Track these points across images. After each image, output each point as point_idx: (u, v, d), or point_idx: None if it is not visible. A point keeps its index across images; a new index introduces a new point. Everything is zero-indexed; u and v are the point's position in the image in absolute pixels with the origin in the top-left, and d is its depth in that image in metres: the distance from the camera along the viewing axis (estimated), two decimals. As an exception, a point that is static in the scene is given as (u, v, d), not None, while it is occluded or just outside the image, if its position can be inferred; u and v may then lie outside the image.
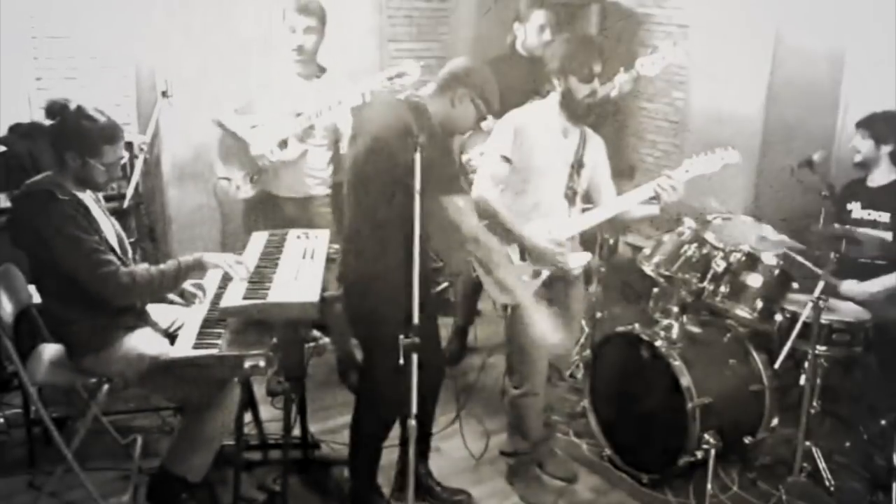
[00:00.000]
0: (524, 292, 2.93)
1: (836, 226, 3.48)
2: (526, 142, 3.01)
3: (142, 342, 2.80)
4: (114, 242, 2.83)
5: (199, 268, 2.77)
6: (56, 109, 2.68)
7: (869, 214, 3.69)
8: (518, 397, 3.18)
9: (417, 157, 2.45)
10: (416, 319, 2.49)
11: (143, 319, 2.92)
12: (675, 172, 2.99)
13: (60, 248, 2.62)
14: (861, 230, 3.62)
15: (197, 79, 4.28)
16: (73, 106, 2.68)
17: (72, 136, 2.66)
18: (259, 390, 3.18)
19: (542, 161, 3.02)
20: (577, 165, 3.07)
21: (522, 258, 3.06)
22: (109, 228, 2.87)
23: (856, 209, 3.74)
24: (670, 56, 3.71)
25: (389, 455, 3.05)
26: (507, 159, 3.00)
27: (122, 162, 2.84)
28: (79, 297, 2.70)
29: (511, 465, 3.32)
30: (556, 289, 3.12)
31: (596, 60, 2.96)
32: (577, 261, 3.08)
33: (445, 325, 4.32)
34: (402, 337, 2.39)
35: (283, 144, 3.63)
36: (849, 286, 3.55)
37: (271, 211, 3.77)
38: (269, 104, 3.64)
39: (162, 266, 2.77)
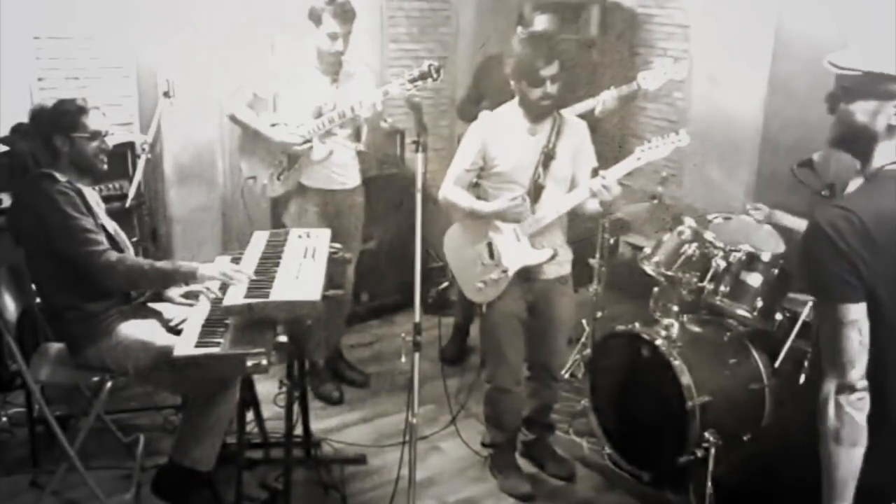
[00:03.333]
0: (491, 290, 3.08)
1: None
2: (494, 146, 3.06)
3: (143, 333, 2.84)
4: (112, 235, 2.90)
5: (192, 278, 2.81)
6: (35, 113, 2.89)
7: None
8: (490, 391, 3.27)
9: (420, 156, 2.46)
10: (417, 318, 2.55)
11: (141, 311, 2.97)
12: (609, 172, 2.95)
13: (53, 224, 2.71)
14: None
15: (199, 79, 4.29)
16: (48, 104, 2.90)
17: (53, 121, 2.84)
18: (261, 389, 3.20)
19: (511, 162, 3.06)
20: (546, 159, 3.06)
21: (491, 256, 3.10)
22: (110, 225, 2.94)
23: None
24: (671, 72, 3.74)
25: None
26: (466, 170, 3.10)
27: (109, 140, 2.94)
28: (71, 283, 2.77)
29: (492, 455, 3.37)
30: (535, 295, 3.17)
31: (545, 64, 2.92)
32: (538, 257, 3.08)
33: (446, 325, 4.36)
34: (403, 335, 2.41)
35: (307, 144, 3.65)
36: None
37: (305, 203, 3.78)
38: (290, 101, 3.66)
39: (157, 262, 2.83)
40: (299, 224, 3.55)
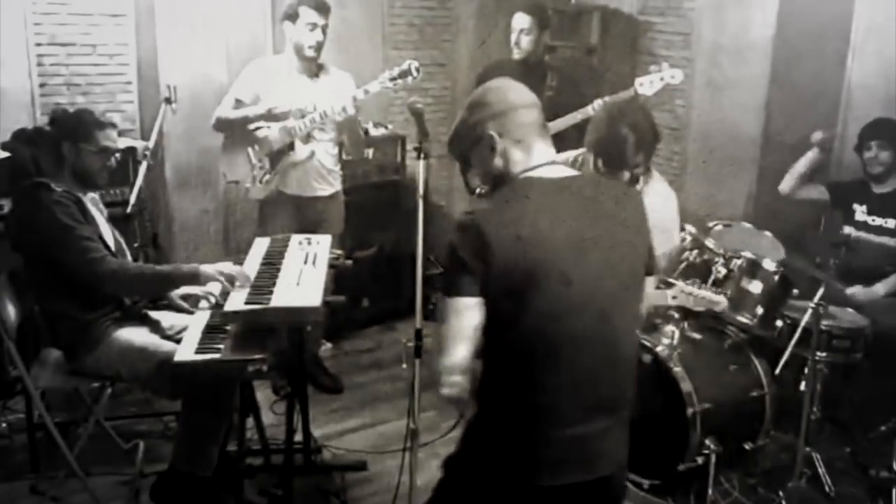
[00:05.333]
0: None
1: (845, 229, 3.52)
2: None
3: (138, 339, 2.85)
4: (110, 243, 2.90)
5: (194, 279, 2.81)
6: (55, 115, 2.92)
7: (874, 220, 3.72)
8: None
9: (422, 164, 2.47)
10: (418, 324, 2.55)
11: (136, 317, 2.98)
12: None
13: (50, 234, 2.72)
14: (865, 235, 3.66)
15: (200, 85, 4.30)
16: (70, 110, 2.94)
17: (69, 125, 2.86)
18: (261, 396, 3.19)
19: None
20: None
21: None
22: (108, 232, 2.94)
23: (859, 212, 3.77)
24: (668, 76, 3.73)
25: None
26: None
27: (117, 156, 2.97)
28: (67, 291, 2.79)
29: None
30: None
31: None
32: None
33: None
34: (405, 340, 2.41)
35: (290, 147, 3.68)
36: (855, 291, 3.58)
37: (286, 210, 3.81)
38: (273, 104, 3.66)
39: (157, 266, 2.85)
40: (274, 231, 3.55)
